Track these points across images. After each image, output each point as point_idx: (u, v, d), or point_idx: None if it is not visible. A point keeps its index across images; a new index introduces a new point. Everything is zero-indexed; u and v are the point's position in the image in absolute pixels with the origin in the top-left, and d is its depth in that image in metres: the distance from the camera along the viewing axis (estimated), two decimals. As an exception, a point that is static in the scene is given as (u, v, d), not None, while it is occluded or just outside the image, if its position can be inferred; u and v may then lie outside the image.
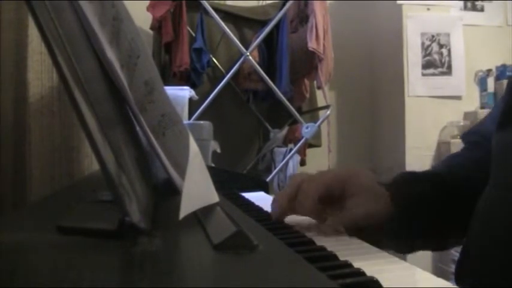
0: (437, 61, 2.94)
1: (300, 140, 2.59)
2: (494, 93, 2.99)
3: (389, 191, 0.62)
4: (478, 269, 0.57)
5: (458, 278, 0.61)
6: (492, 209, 0.57)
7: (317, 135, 2.80)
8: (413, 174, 0.70)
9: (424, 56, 2.93)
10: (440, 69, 2.94)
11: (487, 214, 0.58)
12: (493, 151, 0.60)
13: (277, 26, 2.61)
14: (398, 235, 0.63)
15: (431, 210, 0.64)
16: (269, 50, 2.72)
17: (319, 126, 2.63)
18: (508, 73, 2.96)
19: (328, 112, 2.64)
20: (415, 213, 0.63)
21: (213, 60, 2.79)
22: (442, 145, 2.86)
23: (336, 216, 0.57)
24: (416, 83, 2.91)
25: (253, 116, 2.99)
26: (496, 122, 0.61)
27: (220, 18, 2.47)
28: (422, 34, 2.92)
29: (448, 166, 0.73)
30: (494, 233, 0.55)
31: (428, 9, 2.93)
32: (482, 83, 3.06)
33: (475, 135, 0.75)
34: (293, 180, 0.61)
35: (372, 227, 0.58)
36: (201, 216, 0.44)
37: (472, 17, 3.13)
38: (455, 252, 2.53)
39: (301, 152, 2.78)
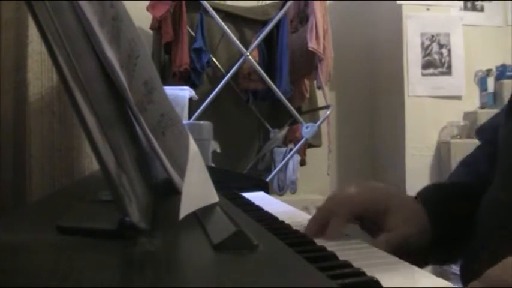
0: (437, 61, 2.94)
1: (300, 140, 2.59)
2: (494, 93, 2.99)
3: (426, 209, 0.61)
4: (484, 265, 0.57)
5: (463, 277, 0.61)
6: (497, 208, 0.57)
7: (317, 135, 2.80)
8: (446, 191, 0.68)
9: (424, 56, 2.93)
10: (440, 69, 2.94)
11: (491, 212, 0.57)
12: (499, 144, 0.60)
13: (277, 26, 2.61)
14: (435, 253, 0.63)
15: (466, 227, 0.63)
16: (269, 50, 2.73)
17: (319, 126, 2.63)
18: (508, 73, 2.96)
19: (328, 112, 2.64)
20: (451, 233, 0.62)
21: (213, 60, 2.79)
22: (442, 145, 2.86)
23: (386, 235, 0.56)
24: (416, 83, 2.91)
25: (253, 116, 2.99)
26: (505, 112, 0.61)
27: (220, 18, 2.47)
28: (422, 34, 2.92)
29: (474, 174, 0.71)
30: (497, 230, 0.55)
31: (428, 9, 2.93)
32: (482, 83, 3.06)
33: (488, 132, 0.74)
34: (327, 203, 0.59)
35: (417, 247, 0.58)
36: (201, 216, 0.44)
37: (472, 17, 3.13)
38: (455, 252, 2.53)
39: (301, 152, 2.79)
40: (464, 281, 0.61)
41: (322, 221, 0.56)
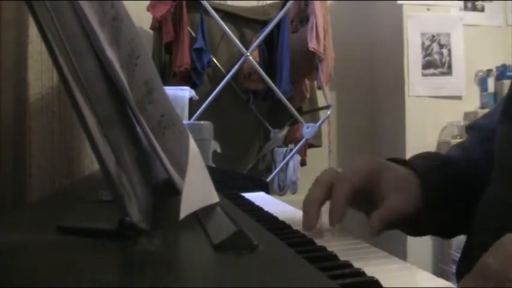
0: (437, 61, 2.94)
1: (300, 140, 2.59)
2: (495, 93, 2.99)
3: (418, 179, 0.61)
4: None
5: (459, 278, 0.61)
6: (494, 208, 0.57)
7: (317, 135, 2.80)
8: (439, 163, 0.68)
9: (425, 56, 2.93)
10: (440, 69, 2.94)
11: (489, 212, 0.57)
12: (495, 145, 0.60)
13: (277, 26, 2.61)
14: (419, 223, 0.63)
15: (454, 203, 0.64)
16: (269, 50, 2.73)
17: (319, 126, 2.63)
18: (508, 73, 2.96)
19: (329, 112, 2.64)
20: (439, 206, 0.62)
21: (213, 60, 2.79)
22: (442, 145, 2.86)
23: (377, 212, 0.56)
24: (417, 83, 2.91)
25: (253, 116, 2.99)
26: (500, 113, 0.61)
27: (221, 18, 2.47)
28: (423, 34, 2.92)
29: (469, 159, 0.71)
30: (495, 230, 0.55)
31: (428, 9, 2.93)
32: (482, 83, 3.06)
33: (484, 131, 0.74)
34: (321, 181, 0.59)
35: (409, 218, 0.58)
36: (201, 216, 0.44)
37: (472, 17, 3.12)
38: (455, 253, 2.53)
39: (302, 152, 2.79)
40: (459, 279, 0.61)
41: (321, 199, 0.56)
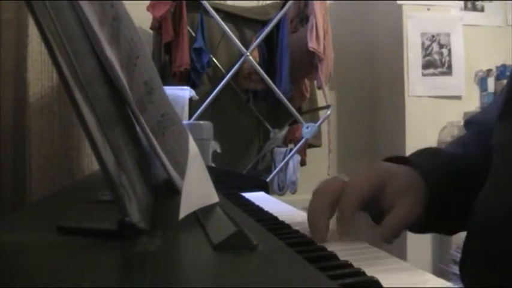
0: (437, 61, 2.94)
1: (300, 140, 2.59)
2: (495, 93, 2.99)
3: (422, 178, 0.61)
4: (478, 265, 0.57)
5: (462, 277, 0.61)
6: (490, 209, 0.57)
7: (317, 135, 2.80)
8: (441, 161, 0.67)
9: (424, 56, 2.93)
10: (440, 69, 2.94)
11: (485, 213, 0.57)
12: (493, 145, 0.60)
13: (277, 26, 2.61)
14: (439, 222, 0.63)
15: (455, 200, 0.63)
16: (269, 50, 2.72)
17: (319, 126, 2.63)
18: (508, 73, 2.95)
19: (329, 112, 2.64)
20: (442, 204, 0.62)
21: (213, 60, 2.79)
22: (442, 145, 2.85)
23: (387, 221, 0.56)
24: (417, 83, 2.91)
25: (253, 116, 2.99)
26: (499, 111, 0.61)
27: (221, 18, 2.47)
28: (423, 34, 2.92)
29: (467, 154, 0.71)
30: (494, 228, 0.55)
31: (428, 9, 2.93)
32: (482, 83, 3.06)
33: (479, 125, 0.74)
34: (325, 192, 0.58)
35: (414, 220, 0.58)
36: (201, 216, 0.44)
37: (472, 17, 3.12)
38: (455, 253, 2.53)
39: (302, 152, 2.78)
40: (463, 280, 0.61)
41: (329, 209, 0.55)
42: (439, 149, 0.74)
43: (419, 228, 0.65)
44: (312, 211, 0.56)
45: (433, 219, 0.62)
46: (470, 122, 0.78)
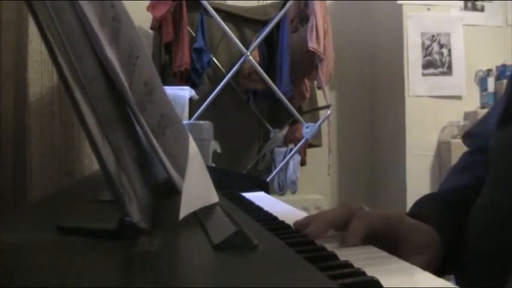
0: (437, 61, 2.94)
1: (300, 140, 2.59)
2: (495, 93, 2.99)
3: (440, 236, 0.59)
4: (477, 266, 0.57)
5: (461, 279, 0.61)
6: (487, 212, 0.57)
7: (317, 135, 2.80)
8: (456, 213, 0.65)
9: (425, 56, 2.93)
10: (440, 69, 2.94)
11: (482, 216, 0.57)
12: (490, 151, 0.60)
13: (277, 26, 2.61)
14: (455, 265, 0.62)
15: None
16: (269, 50, 2.73)
17: (319, 126, 2.63)
18: (508, 73, 2.96)
19: (329, 112, 2.64)
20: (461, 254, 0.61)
21: (213, 60, 2.79)
22: (442, 145, 2.86)
23: None
24: (417, 83, 2.91)
25: (253, 116, 2.99)
26: (497, 120, 0.61)
27: (221, 18, 2.47)
28: (423, 34, 2.93)
29: (473, 180, 0.68)
30: (494, 229, 0.55)
31: (428, 9, 2.93)
32: (482, 82, 3.06)
33: (481, 139, 0.72)
34: (341, 210, 0.56)
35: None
36: (201, 216, 0.44)
37: (472, 17, 3.12)
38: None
39: (302, 152, 2.79)
40: (458, 281, 0.61)
41: (333, 225, 0.54)
42: (440, 194, 0.71)
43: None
44: (321, 214, 0.55)
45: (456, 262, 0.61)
46: (471, 135, 0.78)
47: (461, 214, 0.62)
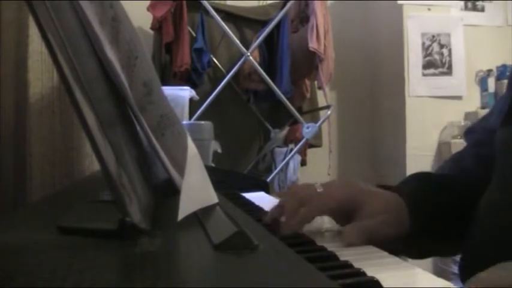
0: (437, 61, 2.94)
1: (300, 140, 2.59)
2: (495, 93, 2.99)
3: (404, 199, 0.60)
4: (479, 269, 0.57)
5: (462, 279, 0.61)
6: (495, 209, 0.57)
7: (318, 135, 2.80)
8: (427, 180, 0.68)
9: (425, 56, 2.93)
10: (440, 70, 2.94)
11: (489, 213, 0.57)
12: (496, 147, 0.60)
13: (277, 26, 2.61)
14: (415, 244, 0.62)
15: (447, 218, 0.63)
16: (270, 50, 2.72)
17: (319, 127, 2.62)
18: (508, 73, 2.95)
19: (329, 112, 2.64)
20: (432, 223, 0.61)
21: (213, 60, 2.79)
22: (442, 145, 2.86)
23: (354, 224, 0.55)
24: (417, 83, 2.91)
25: (253, 116, 2.99)
26: (501, 118, 0.61)
27: (221, 18, 2.47)
28: (423, 34, 2.92)
29: (459, 169, 0.71)
30: (495, 233, 0.55)
31: (428, 9, 2.93)
32: (482, 83, 3.06)
33: (479, 134, 0.74)
34: (296, 195, 0.59)
35: (389, 237, 0.57)
36: (201, 216, 0.44)
37: (472, 17, 3.12)
38: (455, 253, 2.53)
39: (302, 152, 2.78)
40: (463, 280, 0.61)
41: (292, 208, 0.55)
42: (428, 172, 0.74)
43: (418, 252, 0.65)
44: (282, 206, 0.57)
45: (431, 242, 0.62)
46: (471, 130, 0.78)
47: (436, 189, 0.65)
